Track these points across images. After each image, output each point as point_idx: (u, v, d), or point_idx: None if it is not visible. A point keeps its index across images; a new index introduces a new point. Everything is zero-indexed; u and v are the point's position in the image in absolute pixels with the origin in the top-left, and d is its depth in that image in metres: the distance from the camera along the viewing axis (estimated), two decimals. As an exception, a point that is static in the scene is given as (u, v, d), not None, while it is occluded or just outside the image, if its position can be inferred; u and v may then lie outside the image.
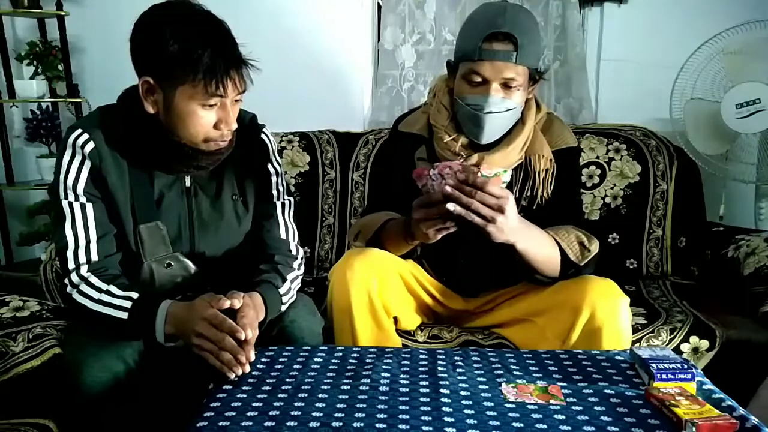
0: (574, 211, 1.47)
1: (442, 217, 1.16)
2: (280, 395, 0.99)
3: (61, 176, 1.18)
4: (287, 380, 1.05)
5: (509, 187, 1.39)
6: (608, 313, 1.26)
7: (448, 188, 1.13)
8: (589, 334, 1.27)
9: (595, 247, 1.35)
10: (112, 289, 1.15)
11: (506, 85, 1.33)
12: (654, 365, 1.01)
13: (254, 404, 0.96)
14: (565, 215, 1.42)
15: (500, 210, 1.14)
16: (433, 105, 1.49)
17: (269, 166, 1.36)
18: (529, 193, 1.43)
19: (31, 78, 2.44)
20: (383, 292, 1.34)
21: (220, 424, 0.90)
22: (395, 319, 1.42)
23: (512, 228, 1.18)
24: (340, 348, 1.20)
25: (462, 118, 1.41)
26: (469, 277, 1.50)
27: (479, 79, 1.34)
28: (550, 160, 1.42)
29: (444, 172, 1.15)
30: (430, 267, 1.54)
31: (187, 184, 1.26)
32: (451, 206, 1.13)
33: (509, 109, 1.35)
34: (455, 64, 1.41)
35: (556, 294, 1.35)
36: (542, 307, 1.37)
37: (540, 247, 1.30)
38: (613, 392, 1.00)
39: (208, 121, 1.16)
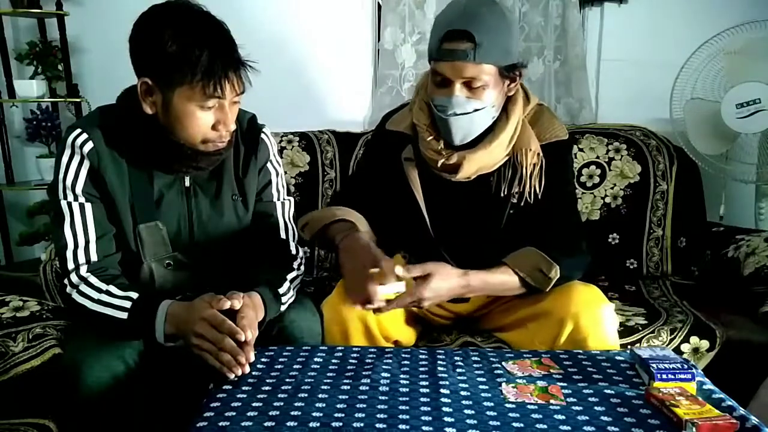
0: (566, 207, 1.43)
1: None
2: (280, 395, 0.99)
3: (60, 176, 1.18)
4: (287, 380, 1.05)
5: (498, 184, 1.38)
6: (592, 322, 1.26)
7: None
8: (575, 343, 1.26)
9: (554, 272, 1.28)
10: (112, 289, 1.15)
11: (469, 85, 1.27)
12: (654, 365, 1.01)
13: (254, 404, 0.96)
14: (556, 211, 1.38)
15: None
16: (416, 103, 1.44)
17: (269, 166, 1.36)
18: (517, 189, 1.37)
19: (31, 78, 2.43)
20: (380, 320, 1.32)
21: (220, 424, 0.90)
22: (396, 343, 1.40)
23: (443, 294, 1.26)
24: (340, 348, 1.20)
25: (435, 119, 1.37)
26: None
27: (441, 79, 1.29)
28: (538, 154, 1.36)
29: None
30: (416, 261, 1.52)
31: (187, 184, 1.26)
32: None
33: (477, 110, 1.29)
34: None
35: (542, 302, 1.33)
36: (531, 313, 1.35)
37: (495, 288, 1.32)
38: (613, 392, 1.00)
39: (206, 123, 1.16)
